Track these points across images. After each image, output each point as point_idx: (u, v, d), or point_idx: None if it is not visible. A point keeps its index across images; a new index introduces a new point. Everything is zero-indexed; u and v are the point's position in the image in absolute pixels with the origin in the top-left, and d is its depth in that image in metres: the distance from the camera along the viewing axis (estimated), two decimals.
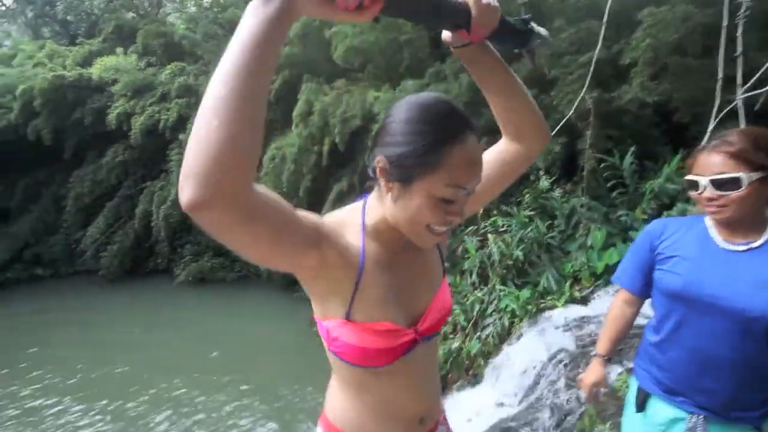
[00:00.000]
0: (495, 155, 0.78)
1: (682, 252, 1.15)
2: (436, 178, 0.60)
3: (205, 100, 0.46)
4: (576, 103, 2.46)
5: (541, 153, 4.53)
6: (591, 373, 1.39)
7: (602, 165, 4.12)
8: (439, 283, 0.79)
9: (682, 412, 1.17)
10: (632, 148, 4.13)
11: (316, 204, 7.31)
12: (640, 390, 1.27)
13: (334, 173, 7.61)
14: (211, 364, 5.68)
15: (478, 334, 4.40)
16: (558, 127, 2.56)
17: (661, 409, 1.21)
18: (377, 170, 0.66)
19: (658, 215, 3.98)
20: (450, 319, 4.90)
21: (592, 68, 2.01)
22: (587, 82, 2.09)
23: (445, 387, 4.56)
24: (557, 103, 4.24)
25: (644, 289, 1.33)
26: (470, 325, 4.63)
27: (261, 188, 0.53)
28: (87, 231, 11.37)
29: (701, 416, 1.12)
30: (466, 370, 4.46)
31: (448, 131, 0.59)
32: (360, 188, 6.25)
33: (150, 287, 10.91)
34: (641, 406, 1.24)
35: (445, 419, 0.88)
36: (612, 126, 4.23)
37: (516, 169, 0.79)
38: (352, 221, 0.72)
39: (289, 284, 8.37)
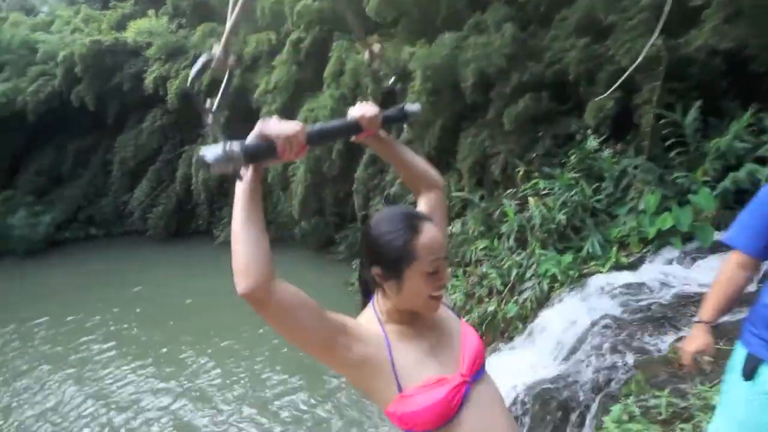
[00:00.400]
0: (427, 210, 0.97)
1: None
2: (418, 263, 0.77)
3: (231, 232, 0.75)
4: (644, 52, 2.19)
5: (591, 110, 4.24)
6: (694, 340, 1.29)
7: (661, 122, 3.77)
8: (459, 330, 0.88)
9: None
10: (697, 103, 3.74)
11: (347, 168, 7.26)
12: (750, 357, 1.19)
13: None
14: (245, 319, 5.67)
15: (515, 298, 4.35)
16: (620, 81, 2.31)
17: None
18: (376, 279, 0.82)
19: (722, 177, 3.66)
20: (485, 282, 4.86)
21: (667, 8, 1.75)
22: (660, 25, 1.84)
23: None
24: (613, 52, 3.86)
25: (763, 250, 1.20)
26: (507, 289, 4.57)
27: (292, 289, 0.74)
28: (133, 194, 11.96)
29: None
30: (502, 333, 4.45)
31: (412, 227, 0.78)
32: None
33: (194, 247, 11.41)
34: (750, 374, 1.17)
35: None
36: (675, 78, 3.82)
37: (441, 206, 1.02)
38: (368, 318, 0.85)
39: (324, 246, 8.59)
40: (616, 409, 2.15)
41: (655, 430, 1.93)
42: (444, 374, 0.77)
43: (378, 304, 0.85)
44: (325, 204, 7.77)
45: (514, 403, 3.33)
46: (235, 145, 0.71)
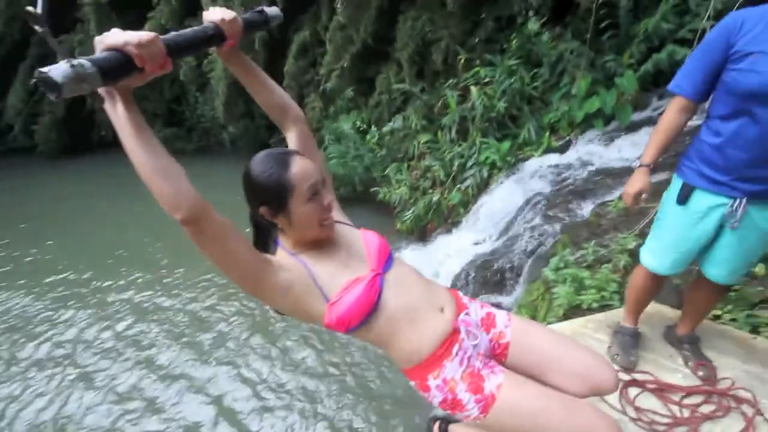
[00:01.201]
0: (297, 144, 0.99)
1: (763, 47, 1.10)
2: (296, 192, 0.84)
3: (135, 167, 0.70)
4: None
5: None
6: (635, 182, 1.43)
7: (600, 1, 3.81)
8: (359, 237, 0.99)
9: (724, 198, 1.29)
10: None
11: (274, 61, 6.55)
12: (684, 185, 1.37)
13: (291, 18, 6.66)
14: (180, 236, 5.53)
15: (457, 186, 4.62)
16: None
17: (703, 199, 1.33)
18: (266, 217, 0.89)
19: (645, 60, 3.93)
20: (429, 174, 5.05)
21: None
22: None
23: (425, 235, 4.98)
24: None
25: (704, 95, 1.28)
26: (449, 179, 4.81)
27: (224, 219, 0.76)
28: (7, 101, 9.88)
29: (744, 198, 1.25)
30: (445, 219, 4.81)
31: (282, 163, 0.85)
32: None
33: (100, 162, 9.93)
34: (684, 200, 1.36)
35: (471, 300, 1.08)
36: None
37: (309, 137, 1.02)
38: (280, 255, 0.92)
39: (258, 152, 7.99)
40: (553, 260, 2.53)
41: (583, 272, 2.33)
42: (358, 275, 0.90)
43: (283, 243, 0.93)
44: (254, 104, 7.08)
45: (458, 275, 3.77)
46: (84, 61, 0.60)
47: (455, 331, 0.94)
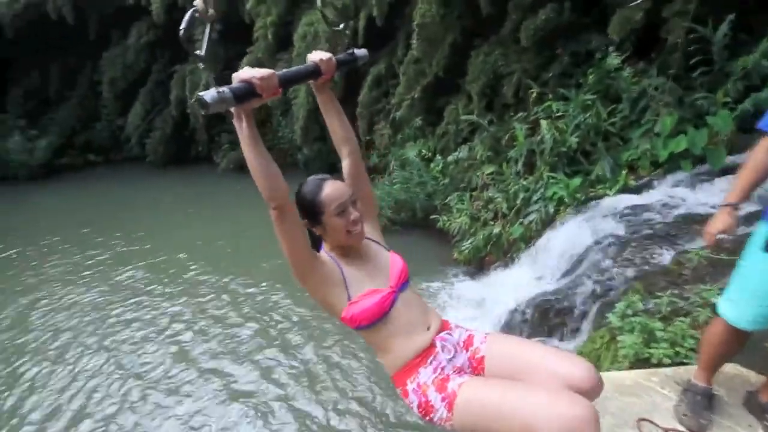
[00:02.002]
0: (349, 171, 1.23)
1: None
2: (326, 209, 1.08)
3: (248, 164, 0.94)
4: None
5: (617, 23, 4.00)
6: (717, 221, 1.37)
7: (690, 36, 3.57)
8: (387, 258, 1.20)
9: None
10: (731, 16, 3.51)
11: (350, 91, 6.99)
12: None
13: (371, 53, 7.07)
14: (253, 245, 5.75)
15: (520, 220, 4.48)
16: None
17: None
18: (307, 226, 1.13)
19: (743, 99, 3.57)
20: (491, 206, 4.96)
21: None
22: None
23: (483, 267, 4.84)
24: None
25: None
26: (512, 212, 4.68)
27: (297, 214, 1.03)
28: (128, 118, 11.60)
29: None
30: (505, 253, 4.65)
31: (317, 187, 1.09)
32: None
33: (195, 173, 11.23)
34: None
35: (455, 325, 1.23)
36: None
37: (360, 166, 1.24)
38: (323, 255, 1.14)
39: (327, 173, 8.50)
40: (620, 305, 2.34)
41: (655, 323, 2.12)
42: (379, 287, 1.10)
43: (324, 246, 1.18)
44: (327, 129, 7.63)
45: (514, 311, 3.59)
46: (225, 89, 0.88)
47: (432, 345, 1.13)
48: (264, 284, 4.85)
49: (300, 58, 7.25)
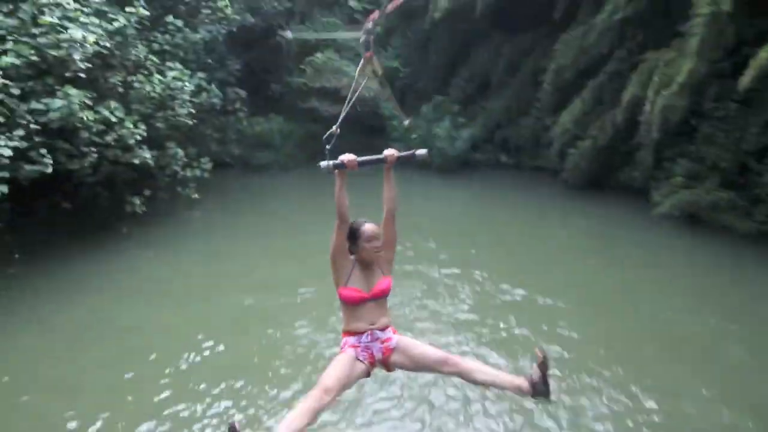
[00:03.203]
0: (383, 222, 2.57)
1: None
2: (362, 236, 2.48)
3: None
4: None
5: None
6: None
7: None
8: (380, 279, 2.51)
9: None
10: None
11: None
12: None
13: None
14: None
15: None
16: None
17: None
18: (348, 244, 2.58)
19: None
20: None
21: None
22: None
23: None
24: None
25: None
26: None
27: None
28: (558, 117, 10.67)
29: None
30: None
31: (363, 224, 2.50)
32: None
33: (620, 208, 9.72)
34: None
35: (394, 331, 2.54)
36: None
37: (389, 222, 2.58)
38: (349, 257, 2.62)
39: None
40: None
41: None
42: (360, 290, 2.45)
43: (354, 256, 2.56)
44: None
45: None
46: (330, 162, 2.38)
47: (364, 332, 2.46)
48: None
49: None
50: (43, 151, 5.99)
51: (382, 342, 2.43)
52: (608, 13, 9.73)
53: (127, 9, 7.29)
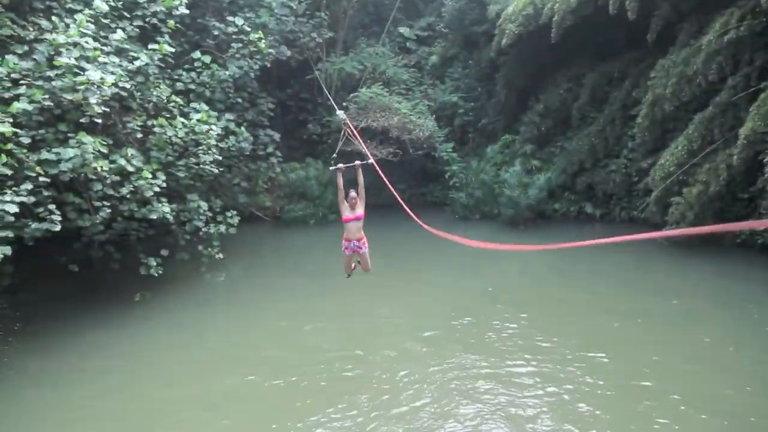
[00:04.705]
0: (358, 192, 7.55)
1: None
2: (349, 197, 7.37)
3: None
4: None
5: None
6: None
7: None
8: (358, 212, 7.45)
9: None
10: None
11: None
12: None
13: None
14: None
15: None
16: None
17: None
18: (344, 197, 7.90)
19: None
20: None
21: None
22: None
23: None
24: None
25: None
26: None
27: (343, 196, 7.52)
28: (657, 158, 10.26)
29: None
30: None
31: (348, 193, 7.33)
32: None
33: (731, 265, 9.31)
34: None
35: (365, 244, 7.50)
36: None
37: (360, 190, 7.52)
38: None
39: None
40: None
41: None
42: (348, 216, 7.34)
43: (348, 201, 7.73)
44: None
45: None
46: (340, 163, 7.39)
47: (351, 239, 7.35)
48: None
49: None
50: (52, 206, 6.28)
51: (358, 246, 7.00)
52: (716, 33, 9.49)
53: (150, 46, 7.83)
